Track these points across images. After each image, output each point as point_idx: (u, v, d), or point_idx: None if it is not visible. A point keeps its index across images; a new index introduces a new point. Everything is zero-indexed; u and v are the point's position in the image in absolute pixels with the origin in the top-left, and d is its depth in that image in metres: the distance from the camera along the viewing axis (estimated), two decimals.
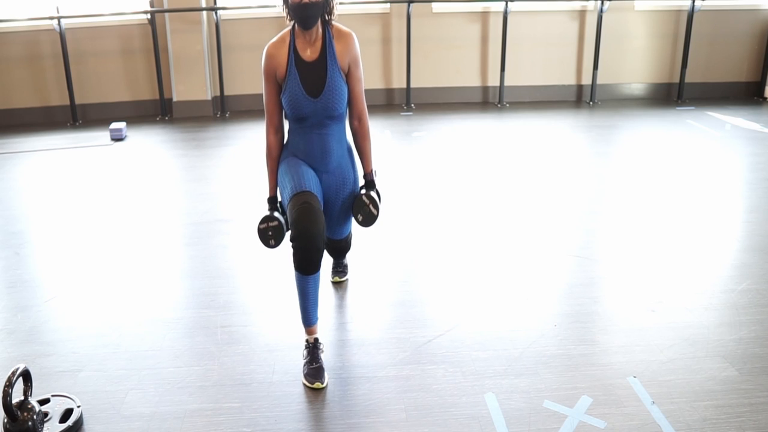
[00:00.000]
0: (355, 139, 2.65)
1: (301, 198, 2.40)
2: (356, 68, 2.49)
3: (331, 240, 2.82)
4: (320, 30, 2.43)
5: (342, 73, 2.45)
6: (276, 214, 2.52)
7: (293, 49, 2.42)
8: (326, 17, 2.43)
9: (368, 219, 2.60)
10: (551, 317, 2.87)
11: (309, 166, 2.55)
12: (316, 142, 2.52)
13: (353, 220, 2.70)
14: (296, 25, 2.41)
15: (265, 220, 2.51)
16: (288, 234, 2.50)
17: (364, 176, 2.67)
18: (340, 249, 2.94)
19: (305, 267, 2.40)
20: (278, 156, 2.58)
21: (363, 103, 2.58)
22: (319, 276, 2.47)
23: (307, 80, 2.42)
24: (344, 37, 2.46)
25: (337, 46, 2.44)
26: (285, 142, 2.61)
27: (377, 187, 2.68)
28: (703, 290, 3.08)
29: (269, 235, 2.51)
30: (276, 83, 2.47)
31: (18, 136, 6.28)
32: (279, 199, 2.60)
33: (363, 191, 2.63)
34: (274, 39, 2.46)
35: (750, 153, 5.30)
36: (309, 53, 2.43)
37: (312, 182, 2.49)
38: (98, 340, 2.75)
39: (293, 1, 2.32)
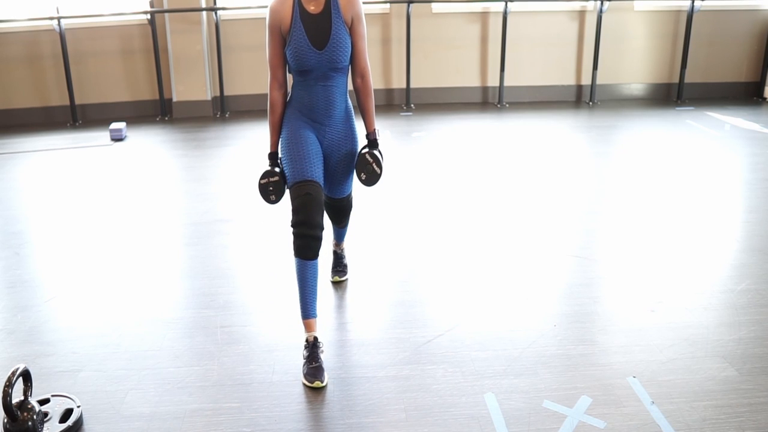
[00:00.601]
0: (358, 97, 2.66)
1: (304, 188, 2.45)
2: (359, 24, 2.51)
3: (332, 199, 2.81)
4: None
5: (345, 26, 2.47)
6: (276, 169, 2.55)
7: (297, 3, 2.44)
8: None
9: (371, 177, 2.61)
10: (551, 317, 2.87)
11: (311, 129, 2.56)
12: (320, 95, 2.53)
13: (354, 179, 2.71)
14: None
15: (265, 175, 2.54)
16: (288, 192, 2.55)
17: (367, 135, 2.66)
18: (341, 208, 2.89)
19: (304, 253, 2.46)
20: (281, 112, 2.59)
21: (366, 61, 2.59)
22: (317, 265, 2.50)
23: (311, 32, 2.43)
24: None
25: (341, 1, 2.46)
26: (289, 98, 2.61)
27: (380, 146, 2.67)
28: (703, 290, 3.08)
29: (270, 190, 2.54)
30: (280, 37, 2.48)
31: (18, 137, 6.29)
32: (280, 155, 2.60)
33: (366, 150, 2.63)
34: None
35: (749, 153, 5.30)
36: (313, 7, 2.45)
37: (314, 163, 2.51)
38: (98, 340, 2.75)
39: None
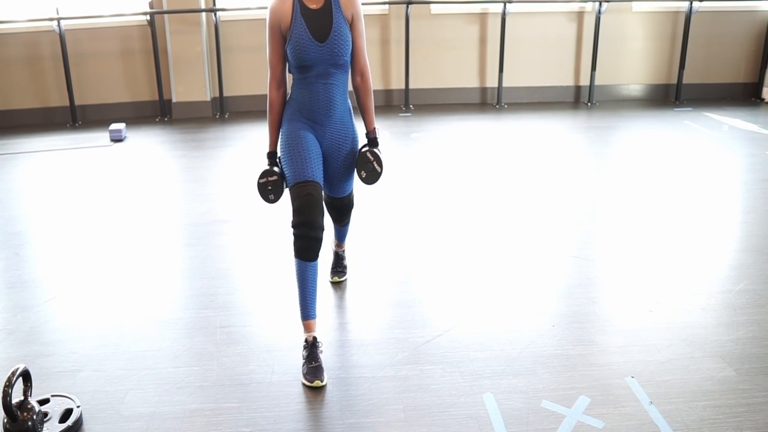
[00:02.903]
0: (357, 95, 2.67)
1: (304, 189, 2.45)
2: (359, 21, 2.53)
3: (332, 198, 2.82)
4: None
5: (346, 21, 2.48)
6: (275, 168, 2.55)
7: (298, 0, 2.45)
8: None
9: (372, 176, 2.62)
10: (549, 317, 2.88)
11: (310, 130, 2.56)
12: (321, 93, 2.53)
13: (355, 177, 2.71)
14: None
15: (264, 174, 2.54)
16: (287, 191, 2.55)
17: (367, 134, 2.67)
18: (342, 207, 2.89)
19: (305, 254, 2.46)
20: (280, 111, 2.59)
21: (365, 59, 2.60)
22: (317, 266, 2.50)
23: (313, 25, 2.44)
24: None
25: None
26: (288, 97, 2.62)
27: (380, 144, 2.68)
28: (701, 291, 3.09)
29: (269, 189, 2.54)
30: (280, 36, 2.48)
31: (18, 137, 6.29)
32: (279, 154, 2.60)
33: (366, 148, 2.63)
34: None
35: (747, 154, 5.31)
36: (314, 5, 2.46)
37: (314, 163, 2.51)
38: (98, 340, 2.75)
39: None
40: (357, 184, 2.80)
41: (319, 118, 2.57)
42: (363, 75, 2.62)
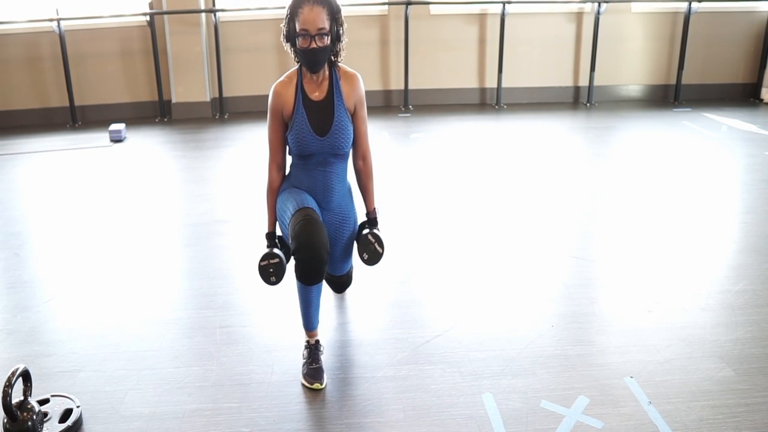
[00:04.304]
0: (358, 178, 2.65)
1: (304, 213, 2.38)
2: (361, 108, 2.51)
3: (332, 276, 2.82)
4: (327, 71, 2.45)
5: (348, 113, 2.47)
6: (276, 250, 2.49)
7: (301, 89, 2.43)
8: (333, 59, 2.45)
9: (373, 257, 2.60)
10: (549, 318, 2.88)
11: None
12: (319, 179, 2.52)
13: (355, 257, 2.70)
14: (304, 67, 2.43)
15: (265, 257, 2.48)
16: (291, 261, 2.50)
17: (367, 214, 2.66)
18: (341, 284, 2.93)
19: (308, 278, 2.39)
20: (278, 192, 2.57)
21: (367, 143, 2.59)
22: (321, 285, 2.47)
23: (314, 119, 2.42)
24: (350, 78, 2.48)
25: (344, 87, 2.46)
26: (287, 175, 2.59)
27: (379, 225, 2.68)
28: (700, 291, 3.09)
29: (270, 272, 2.47)
30: (282, 122, 2.46)
31: (18, 138, 6.29)
32: (278, 233, 2.58)
33: (366, 230, 2.62)
34: (282, 78, 2.47)
35: (746, 154, 5.32)
36: (317, 93, 2.44)
37: (313, 204, 2.49)
38: (97, 340, 2.76)
39: (301, 46, 2.33)
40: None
41: (317, 200, 2.55)
42: (365, 159, 2.60)
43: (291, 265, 2.49)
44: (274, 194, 2.56)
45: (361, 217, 2.70)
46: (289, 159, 2.57)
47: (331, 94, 2.44)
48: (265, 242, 2.55)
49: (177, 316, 2.95)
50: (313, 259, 2.33)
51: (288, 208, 2.47)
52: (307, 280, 2.40)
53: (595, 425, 2.20)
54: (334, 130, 2.43)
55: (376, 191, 2.72)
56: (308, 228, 2.33)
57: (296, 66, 2.47)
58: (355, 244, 2.67)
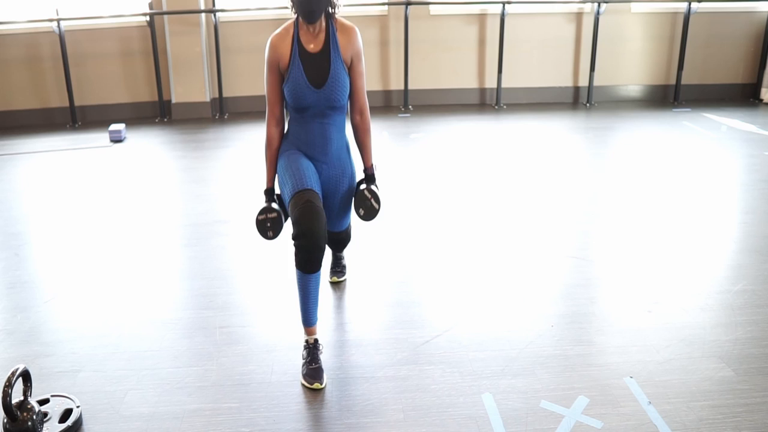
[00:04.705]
0: (355, 133, 2.66)
1: (303, 197, 2.40)
2: (358, 62, 2.51)
3: (330, 232, 2.82)
4: (324, 23, 2.46)
5: (345, 65, 2.47)
6: (274, 205, 2.54)
7: (297, 41, 2.44)
8: (330, 10, 2.45)
9: (370, 213, 2.62)
10: (548, 318, 2.88)
11: (309, 160, 2.56)
12: (317, 131, 2.53)
13: (353, 213, 2.71)
14: (300, 17, 2.43)
15: (263, 211, 2.53)
16: (286, 224, 2.54)
17: (365, 170, 2.68)
18: (340, 240, 2.93)
19: (307, 266, 2.41)
20: (278, 148, 2.59)
21: (365, 97, 2.59)
22: (319, 275, 2.48)
23: (310, 71, 2.43)
24: (347, 30, 2.49)
25: (341, 39, 2.46)
26: (285, 132, 2.62)
27: (377, 181, 2.69)
28: (700, 291, 3.09)
29: (267, 226, 2.52)
30: (279, 74, 2.48)
31: (17, 138, 6.29)
32: (277, 191, 2.60)
33: (364, 185, 2.64)
34: (278, 30, 2.48)
35: (746, 154, 5.32)
36: (312, 45, 2.45)
37: (312, 179, 2.50)
38: (97, 340, 2.76)
39: None
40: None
41: (315, 154, 2.56)
42: (362, 113, 2.61)
43: (291, 265, 2.50)
44: (272, 150, 2.58)
45: (361, 173, 2.70)
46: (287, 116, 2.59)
47: (327, 46, 2.44)
48: (263, 198, 2.58)
49: (177, 316, 2.95)
50: (312, 246, 2.36)
51: (287, 181, 2.49)
52: (306, 268, 2.42)
53: (594, 425, 2.20)
54: (330, 82, 2.44)
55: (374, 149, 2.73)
56: (308, 215, 2.36)
57: (294, 19, 2.48)
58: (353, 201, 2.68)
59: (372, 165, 2.68)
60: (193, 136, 6.26)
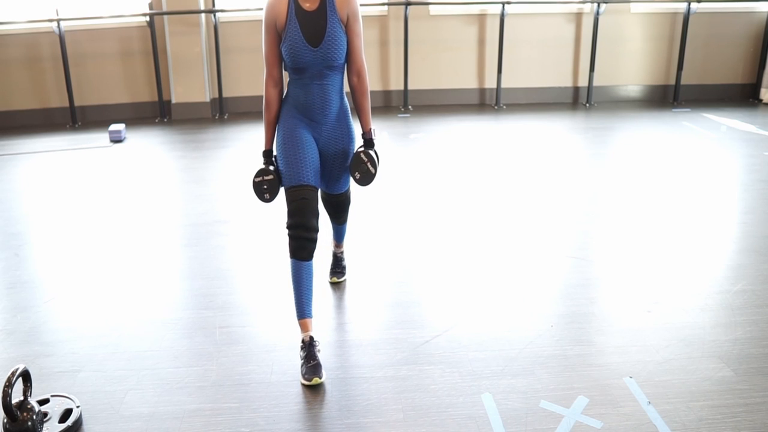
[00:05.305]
0: (353, 95, 2.66)
1: (299, 193, 2.46)
2: (355, 22, 2.51)
3: (329, 195, 2.83)
4: None
5: (341, 23, 2.48)
6: (271, 167, 2.56)
7: (293, 0, 2.45)
8: None
9: (366, 177, 2.62)
10: (548, 318, 2.88)
11: (307, 128, 2.57)
12: (316, 93, 2.53)
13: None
14: None
15: (260, 173, 2.55)
16: (282, 190, 2.57)
17: (363, 135, 2.67)
18: (338, 203, 2.91)
19: (299, 253, 2.49)
20: (277, 110, 2.59)
21: (362, 59, 2.59)
22: (312, 265, 2.52)
23: (307, 29, 2.44)
24: None
25: None
26: (285, 95, 2.62)
27: (375, 146, 2.68)
28: (699, 291, 3.09)
29: (264, 188, 2.55)
30: (276, 34, 2.48)
31: (17, 138, 6.30)
32: (274, 153, 2.61)
33: (361, 149, 2.64)
34: None
35: (745, 155, 5.32)
36: (309, 4, 2.45)
37: (310, 165, 2.51)
38: (97, 340, 2.76)
39: None
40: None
41: (315, 116, 2.57)
42: (360, 75, 2.61)
43: (288, 264, 2.50)
44: (270, 111, 2.59)
45: (359, 138, 2.70)
46: (286, 78, 2.59)
47: (323, 4, 2.45)
48: (261, 159, 2.60)
49: (177, 316, 2.96)
50: (304, 236, 2.47)
51: (283, 164, 2.52)
52: (299, 254, 2.49)
53: (594, 425, 2.20)
54: (326, 40, 2.44)
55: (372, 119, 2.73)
56: (303, 211, 2.46)
57: None
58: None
59: (370, 129, 2.67)
60: (193, 136, 6.27)
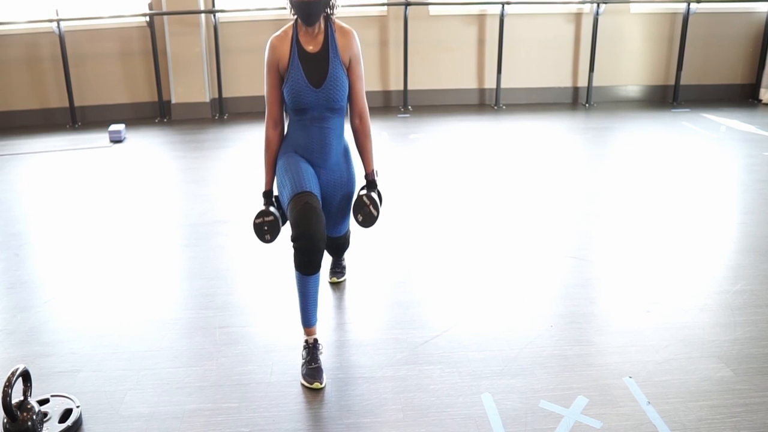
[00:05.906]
0: (356, 137, 2.66)
1: (302, 199, 2.41)
2: (357, 65, 2.52)
3: (329, 237, 2.82)
4: (322, 25, 2.47)
5: (343, 66, 2.48)
6: (272, 208, 2.54)
7: (296, 42, 2.46)
8: (328, 12, 2.47)
9: (368, 220, 2.61)
10: (547, 318, 2.89)
11: (308, 163, 2.56)
12: (316, 136, 2.53)
13: (352, 219, 2.71)
14: (299, 20, 2.45)
15: (260, 214, 2.53)
16: (283, 228, 2.54)
17: (366, 176, 2.67)
18: (338, 246, 2.94)
19: (306, 267, 2.42)
20: (276, 150, 2.59)
21: (364, 101, 2.60)
22: (319, 276, 2.48)
23: (309, 70, 2.44)
24: (346, 33, 2.51)
25: (339, 40, 2.48)
26: (285, 135, 2.62)
27: (378, 187, 2.69)
28: (699, 291, 3.10)
29: (265, 230, 2.52)
30: (278, 75, 2.49)
31: (17, 138, 6.30)
32: (275, 193, 2.61)
33: (363, 191, 2.64)
34: (278, 32, 2.50)
35: (745, 155, 5.33)
36: (312, 46, 2.46)
37: (312, 181, 2.50)
38: (97, 340, 2.76)
39: None
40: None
41: (314, 159, 2.56)
42: (362, 117, 2.60)
43: (291, 266, 2.50)
44: (270, 151, 2.58)
45: (362, 179, 2.70)
46: (286, 119, 2.59)
47: (326, 46, 2.46)
48: (262, 200, 2.58)
49: (177, 316, 2.96)
50: (311, 248, 2.38)
51: (286, 183, 2.49)
52: (305, 270, 2.42)
53: (593, 425, 2.20)
54: (329, 82, 2.45)
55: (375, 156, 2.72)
56: (307, 217, 2.37)
57: (293, 21, 2.50)
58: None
59: (373, 170, 2.67)
60: (193, 136, 6.27)
